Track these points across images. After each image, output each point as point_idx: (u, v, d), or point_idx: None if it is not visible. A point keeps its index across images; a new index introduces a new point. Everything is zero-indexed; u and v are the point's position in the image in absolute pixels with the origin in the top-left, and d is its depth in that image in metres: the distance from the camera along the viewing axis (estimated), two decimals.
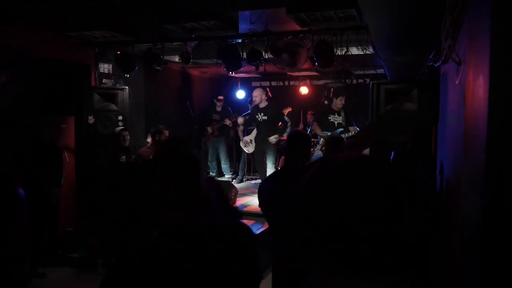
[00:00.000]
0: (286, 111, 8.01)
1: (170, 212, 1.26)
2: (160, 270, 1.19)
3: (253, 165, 7.84)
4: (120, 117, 5.81)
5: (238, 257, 1.26)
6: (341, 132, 6.71)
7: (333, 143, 3.98)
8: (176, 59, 6.60)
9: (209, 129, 7.96)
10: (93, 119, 5.80)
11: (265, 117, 6.69)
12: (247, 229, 1.34)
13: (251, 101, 7.02)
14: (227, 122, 7.83)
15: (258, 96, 6.73)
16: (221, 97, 8.08)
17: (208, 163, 8.13)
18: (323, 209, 0.64)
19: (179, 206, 1.27)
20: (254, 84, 9.82)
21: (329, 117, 6.84)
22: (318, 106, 7.92)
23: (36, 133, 4.83)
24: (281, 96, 9.25)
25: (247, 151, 7.71)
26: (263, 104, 6.71)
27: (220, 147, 8.03)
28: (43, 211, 4.58)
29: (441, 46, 2.58)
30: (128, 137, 5.30)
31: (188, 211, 1.27)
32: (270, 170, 6.47)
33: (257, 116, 6.71)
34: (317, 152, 6.94)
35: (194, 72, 8.69)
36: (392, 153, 3.58)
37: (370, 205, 0.61)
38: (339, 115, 6.84)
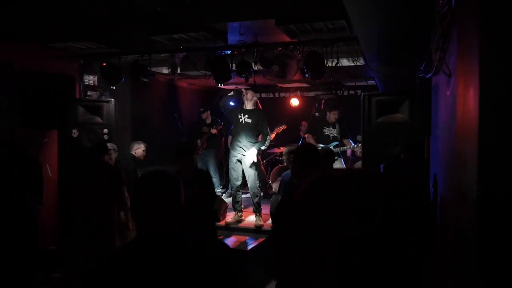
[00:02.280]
0: (281, 128, 7.99)
1: (152, 221, 1.44)
2: (134, 278, 1.31)
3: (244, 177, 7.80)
4: (105, 130, 5.77)
5: (215, 270, 1.36)
6: (336, 146, 6.73)
7: (323, 158, 4.00)
8: (164, 70, 6.61)
9: (199, 142, 7.97)
10: (77, 133, 5.76)
11: (249, 120, 6.04)
12: (225, 245, 1.49)
13: (236, 97, 6.57)
14: (213, 131, 7.85)
15: (250, 96, 6.13)
16: (201, 109, 8.11)
17: None
18: (315, 226, 0.63)
19: (161, 218, 1.45)
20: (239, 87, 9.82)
21: (324, 130, 6.87)
22: (309, 119, 7.95)
23: (17, 147, 4.77)
24: (271, 108, 9.27)
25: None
26: (249, 106, 6.12)
27: (209, 160, 8.02)
28: (23, 229, 4.48)
29: (432, 58, 2.63)
30: (115, 155, 5.17)
31: (169, 223, 1.45)
32: (252, 183, 5.93)
33: (239, 116, 6.04)
34: None
35: (182, 84, 8.70)
36: (382, 166, 3.58)
37: (366, 222, 0.60)
38: (334, 127, 6.87)
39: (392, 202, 0.62)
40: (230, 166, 6.16)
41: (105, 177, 4.53)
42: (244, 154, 5.95)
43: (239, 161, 6.03)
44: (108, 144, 5.16)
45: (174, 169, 7.84)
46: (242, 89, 6.37)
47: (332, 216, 0.61)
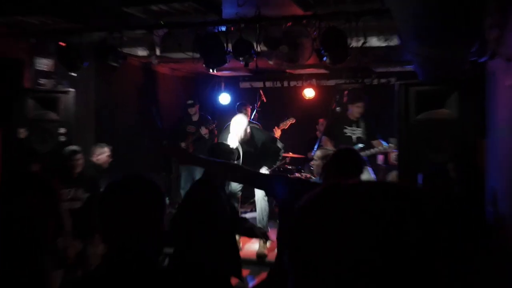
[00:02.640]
0: (288, 123, 7.99)
1: (123, 241, 1.49)
2: None
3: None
4: (62, 130, 5.79)
5: None
6: (362, 149, 6.74)
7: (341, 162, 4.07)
8: (139, 52, 6.64)
9: (183, 145, 8.00)
10: (26, 132, 5.78)
11: (251, 149, 6.31)
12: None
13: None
14: (203, 131, 7.87)
15: (241, 127, 6.13)
16: (189, 102, 8.15)
17: (181, 191, 8.13)
18: (313, 249, 0.71)
19: (136, 237, 1.50)
20: (242, 85, 9.87)
21: (345, 130, 6.88)
22: (328, 115, 7.96)
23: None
24: (278, 101, 9.28)
25: None
26: (244, 136, 6.22)
27: (196, 169, 7.99)
28: None
29: (486, 37, 2.64)
30: (81, 161, 5.22)
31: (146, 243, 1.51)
32: (262, 200, 6.17)
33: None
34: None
35: (163, 70, 8.72)
36: (419, 176, 3.59)
37: (370, 251, 0.67)
38: (358, 126, 6.88)
39: (408, 228, 0.69)
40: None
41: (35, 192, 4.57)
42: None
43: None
44: (73, 148, 5.20)
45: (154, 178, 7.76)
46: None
47: (342, 238, 0.69)
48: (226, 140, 6.18)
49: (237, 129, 6.13)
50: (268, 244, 6.03)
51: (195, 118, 8.17)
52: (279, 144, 6.70)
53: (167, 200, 7.66)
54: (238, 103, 7.96)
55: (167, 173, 8.26)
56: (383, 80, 8.70)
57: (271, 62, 5.67)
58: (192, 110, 8.13)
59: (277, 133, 7.72)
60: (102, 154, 5.73)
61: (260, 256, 5.81)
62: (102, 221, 1.54)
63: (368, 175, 6.70)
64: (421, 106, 4.76)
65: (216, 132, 8.33)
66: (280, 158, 6.67)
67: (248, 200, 8.32)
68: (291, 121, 8.08)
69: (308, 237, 0.72)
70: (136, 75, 8.05)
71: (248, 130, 6.25)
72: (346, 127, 6.87)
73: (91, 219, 5.07)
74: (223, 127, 8.01)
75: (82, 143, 5.67)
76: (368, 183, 0.77)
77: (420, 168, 4.45)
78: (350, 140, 6.84)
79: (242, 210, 8.18)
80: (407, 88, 4.79)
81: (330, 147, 6.82)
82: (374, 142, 6.83)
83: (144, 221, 1.54)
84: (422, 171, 4.26)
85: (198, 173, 7.96)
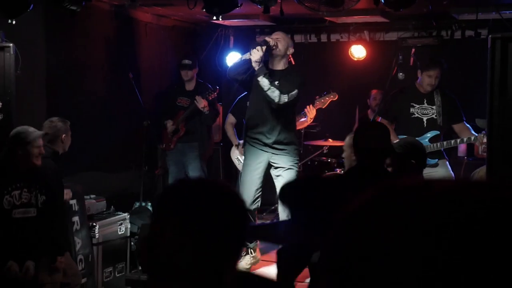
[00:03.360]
0: (328, 99, 7.98)
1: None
2: None
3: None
4: None
5: None
6: (435, 139, 6.73)
7: (406, 157, 4.02)
8: None
9: (169, 125, 8.04)
10: None
11: (276, 83, 6.62)
12: None
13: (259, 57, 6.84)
14: (201, 104, 7.86)
15: (282, 46, 6.64)
16: (186, 61, 8.19)
17: None
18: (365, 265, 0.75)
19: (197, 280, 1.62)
20: (260, 39, 9.75)
21: (412, 108, 6.89)
22: (386, 84, 7.91)
23: None
24: (312, 64, 9.22)
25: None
26: (281, 66, 6.69)
27: (190, 163, 8.13)
28: None
29: None
30: (36, 150, 5.20)
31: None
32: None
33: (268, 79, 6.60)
34: None
35: (145, 17, 8.75)
36: None
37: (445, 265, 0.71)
38: (431, 103, 6.86)
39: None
40: (245, 171, 6.66)
41: None
42: (275, 152, 6.59)
43: (262, 162, 6.61)
44: (20, 129, 5.20)
45: (131, 174, 7.82)
46: (268, 38, 6.62)
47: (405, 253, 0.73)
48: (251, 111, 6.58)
49: (282, 33, 6.74)
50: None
51: (189, 86, 8.19)
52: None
53: (149, 207, 7.74)
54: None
55: (150, 168, 8.32)
56: (469, 33, 8.60)
57: (303, 6, 5.62)
58: (187, 74, 8.13)
59: (311, 113, 7.70)
60: (57, 133, 5.71)
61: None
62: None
63: (445, 171, 6.64)
64: None
65: (219, 106, 8.29)
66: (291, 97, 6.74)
67: (269, 208, 8.33)
68: (332, 97, 8.04)
69: (359, 256, 0.76)
70: (105, 25, 8.06)
71: (291, 49, 6.81)
72: (414, 104, 6.84)
73: (47, 233, 5.16)
74: (234, 101, 8.01)
75: (27, 121, 5.68)
76: (441, 182, 0.79)
77: None
78: (420, 124, 6.81)
79: (261, 221, 8.21)
80: (505, 44, 4.74)
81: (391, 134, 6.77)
82: (457, 128, 6.77)
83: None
84: None
85: (192, 168, 8.01)
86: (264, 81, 6.39)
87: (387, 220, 0.76)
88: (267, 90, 6.38)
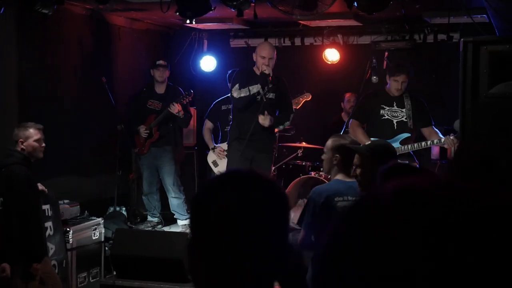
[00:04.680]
0: (301, 100, 8.03)
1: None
2: None
3: None
4: None
5: None
6: (405, 141, 6.76)
7: (376, 159, 4.03)
8: None
9: (142, 130, 7.98)
10: None
11: (272, 95, 6.93)
12: None
13: (234, 76, 7.08)
14: (174, 109, 7.85)
15: (270, 54, 6.86)
16: (161, 62, 8.15)
17: (143, 198, 8.20)
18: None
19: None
20: (234, 43, 9.86)
21: (382, 110, 6.92)
22: (360, 87, 7.93)
23: None
24: (286, 67, 9.23)
25: (219, 172, 7.69)
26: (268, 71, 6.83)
27: (163, 166, 8.11)
28: None
29: None
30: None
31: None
32: None
33: (258, 95, 6.83)
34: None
35: (118, 20, 8.72)
36: None
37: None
38: (401, 106, 6.90)
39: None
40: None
41: None
42: (261, 152, 6.89)
43: (250, 162, 6.84)
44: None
45: (105, 179, 7.77)
46: (267, 71, 6.84)
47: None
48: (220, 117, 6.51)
49: (273, 49, 6.93)
50: None
51: (160, 89, 8.17)
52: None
53: (123, 212, 7.68)
54: (230, 71, 7.92)
55: (124, 173, 8.25)
56: (441, 36, 8.67)
57: (276, 9, 5.60)
58: (162, 75, 8.06)
59: (302, 100, 7.83)
60: (30, 137, 5.64)
61: None
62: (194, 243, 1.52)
63: None
64: (497, 75, 4.71)
65: (192, 109, 8.27)
66: (287, 124, 7.27)
67: None
68: (306, 97, 8.06)
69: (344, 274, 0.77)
70: (78, 29, 8.02)
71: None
72: (384, 106, 6.88)
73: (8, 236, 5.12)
74: (208, 104, 8.02)
75: None
76: (424, 186, 0.80)
77: (493, 165, 4.42)
78: (389, 126, 6.83)
79: None
80: (476, 48, 4.75)
81: (361, 134, 6.79)
82: (426, 131, 6.83)
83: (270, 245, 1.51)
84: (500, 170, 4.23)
85: (165, 172, 7.98)
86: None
87: (371, 225, 0.77)
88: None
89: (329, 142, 4.86)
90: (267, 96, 6.79)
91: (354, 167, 4.37)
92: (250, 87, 6.67)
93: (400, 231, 0.75)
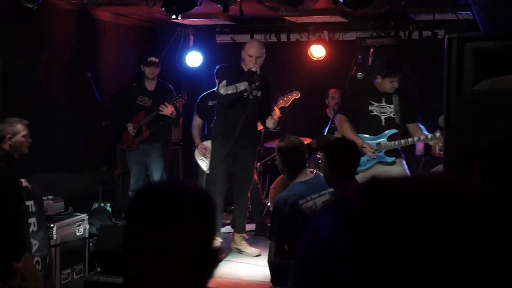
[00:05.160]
0: (290, 97, 7.99)
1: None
2: None
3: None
4: None
5: None
6: (392, 137, 6.76)
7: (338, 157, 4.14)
8: None
9: (131, 128, 7.95)
10: None
11: (257, 93, 6.99)
12: None
13: (221, 72, 7.15)
14: (167, 111, 7.82)
15: (257, 52, 6.94)
16: (153, 59, 8.11)
17: (129, 194, 8.17)
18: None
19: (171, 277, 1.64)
20: (220, 39, 9.88)
21: (371, 106, 6.91)
22: (345, 83, 7.93)
23: None
24: (272, 63, 9.22)
25: (206, 168, 7.70)
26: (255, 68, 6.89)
27: (152, 162, 8.11)
28: None
29: None
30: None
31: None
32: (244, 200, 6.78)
33: (245, 92, 6.90)
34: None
35: (104, 16, 8.70)
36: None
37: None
38: (389, 102, 6.90)
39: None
40: (212, 166, 6.95)
41: None
42: (245, 148, 7.02)
43: (233, 158, 6.98)
44: None
45: (89, 175, 7.73)
46: (254, 68, 6.88)
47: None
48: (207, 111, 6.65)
49: (262, 47, 7.01)
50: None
51: (150, 86, 8.13)
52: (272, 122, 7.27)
53: (108, 208, 7.65)
54: (218, 67, 7.91)
55: (109, 168, 8.24)
56: (426, 33, 8.72)
57: (262, 5, 5.60)
58: (153, 72, 8.03)
59: (276, 114, 7.73)
60: (17, 133, 5.62)
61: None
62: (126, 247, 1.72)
63: (401, 169, 6.68)
64: (481, 71, 4.72)
65: (180, 108, 8.26)
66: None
67: (228, 208, 8.28)
68: (295, 95, 8.04)
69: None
70: (63, 24, 7.99)
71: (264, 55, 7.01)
72: (373, 102, 6.86)
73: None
74: (197, 99, 8.02)
75: None
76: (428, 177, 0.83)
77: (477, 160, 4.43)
78: (377, 122, 6.85)
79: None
80: (461, 44, 4.77)
81: (348, 130, 6.79)
82: (412, 127, 6.86)
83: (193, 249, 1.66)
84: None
85: (154, 169, 7.96)
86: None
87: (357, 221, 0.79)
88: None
89: (277, 145, 5.01)
90: (254, 94, 6.79)
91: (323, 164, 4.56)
92: (237, 84, 6.70)
93: (397, 231, 0.75)
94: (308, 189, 4.63)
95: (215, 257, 1.73)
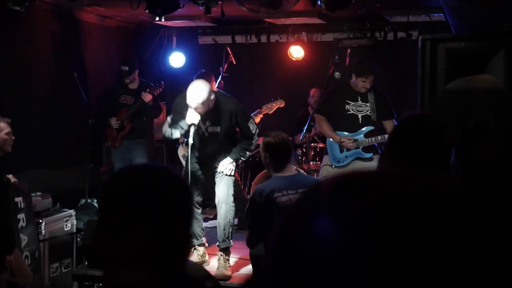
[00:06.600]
0: (274, 106, 7.96)
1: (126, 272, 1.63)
2: None
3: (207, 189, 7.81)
4: None
5: None
6: (369, 133, 6.84)
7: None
8: None
9: (113, 122, 7.96)
10: None
11: (215, 128, 6.17)
12: None
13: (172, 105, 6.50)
14: (146, 98, 7.86)
15: (202, 95, 5.81)
16: (124, 68, 8.10)
17: None
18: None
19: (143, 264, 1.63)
20: (202, 40, 9.86)
21: (347, 105, 6.94)
22: (323, 83, 7.98)
23: None
24: (254, 63, 9.26)
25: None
26: (208, 107, 5.95)
27: (136, 158, 8.06)
28: None
29: None
30: None
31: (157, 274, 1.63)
32: (222, 206, 6.19)
33: (199, 130, 6.16)
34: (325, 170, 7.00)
35: (89, 18, 8.67)
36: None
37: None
38: (365, 100, 6.94)
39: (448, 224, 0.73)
40: (186, 170, 6.32)
41: None
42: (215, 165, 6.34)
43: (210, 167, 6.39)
44: None
45: (76, 172, 7.70)
46: (192, 120, 5.98)
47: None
48: (179, 117, 6.07)
49: (197, 98, 5.74)
50: (230, 262, 6.23)
51: (132, 86, 8.16)
52: (252, 126, 6.30)
53: (95, 204, 7.65)
54: (199, 72, 7.88)
55: (95, 165, 8.23)
56: (401, 34, 8.78)
57: (243, 7, 5.62)
58: (129, 79, 8.06)
59: (256, 119, 7.69)
60: (0, 132, 5.56)
61: (220, 279, 5.87)
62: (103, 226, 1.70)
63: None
64: (453, 71, 4.77)
65: (162, 104, 8.27)
66: (252, 147, 6.38)
67: (211, 204, 8.31)
68: (279, 104, 8.06)
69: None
70: (49, 25, 7.96)
71: (212, 98, 5.92)
72: (349, 101, 6.89)
73: None
74: (175, 98, 7.98)
75: None
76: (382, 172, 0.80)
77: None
78: (354, 120, 6.90)
79: (204, 216, 8.19)
80: (434, 45, 4.81)
81: (326, 128, 6.85)
82: (387, 124, 6.89)
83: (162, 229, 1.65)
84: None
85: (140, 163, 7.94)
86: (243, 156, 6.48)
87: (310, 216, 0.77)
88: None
89: (262, 141, 4.98)
90: (210, 130, 6.14)
91: None
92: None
93: (369, 225, 0.73)
94: (287, 184, 4.61)
95: (189, 243, 1.74)
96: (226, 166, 6.21)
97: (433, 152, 2.58)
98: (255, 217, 4.63)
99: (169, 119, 6.34)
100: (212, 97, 5.91)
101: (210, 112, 5.98)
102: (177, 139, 6.48)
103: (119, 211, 1.66)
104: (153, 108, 8.05)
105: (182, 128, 6.04)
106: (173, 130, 6.13)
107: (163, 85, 8.06)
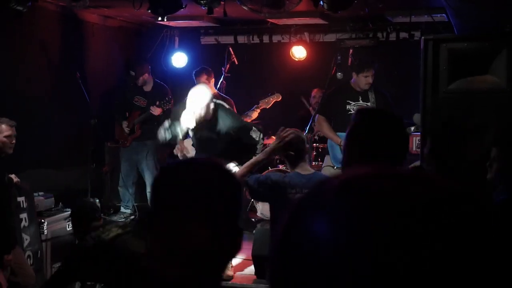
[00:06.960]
0: (271, 100, 7.96)
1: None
2: None
3: None
4: None
5: None
6: None
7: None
8: None
9: (125, 126, 8.01)
10: None
11: (213, 135, 6.14)
12: None
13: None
14: (155, 111, 7.89)
15: (201, 102, 5.84)
16: (131, 73, 8.25)
17: (119, 189, 8.10)
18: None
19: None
20: (204, 40, 9.85)
21: (348, 106, 6.95)
22: (326, 83, 7.97)
23: None
24: (255, 64, 9.25)
25: None
26: (205, 115, 5.94)
27: (143, 160, 8.07)
28: None
29: None
30: None
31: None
32: None
33: (192, 134, 6.24)
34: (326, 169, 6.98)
35: (92, 18, 8.67)
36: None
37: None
38: (366, 100, 6.95)
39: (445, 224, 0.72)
40: None
41: None
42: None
43: None
44: None
45: (78, 172, 7.70)
46: (180, 153, 6.25)
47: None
48: (178, 120, 6.05)
49: (196, 105, 5.79)
50: (232, 262, 6.15)
51: (147, 87, 8.23)
52: (255, 134, 6.29)
53: (97, 203, 7.64)
54: (196, 69, 7.88)
55: (98, 165, 8.22)
56: (403, 34, 8.75)
57: (245, 7, 5.61)
58: (140, 81, 8.10)
59: (254, 114, 7.67)
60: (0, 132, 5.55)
61: (222, 279, 5.85)
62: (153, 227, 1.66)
63: None
64: (455, 71, 4.76)
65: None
66: (258, 152, 6.20)
67: None
68: (276, 98, 8.05)
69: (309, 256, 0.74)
70: (51, 25, 7.96)
71: (212, 107, 5.93)
72: (350, 101, 6.90)
73: None
74: (178, 102, 7.97)
75: None
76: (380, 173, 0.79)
77: (452, 157, 4.47)
78: None
79: None
80: (436, 46, 4.80)
81: (326, 129, 6.83)
82: None
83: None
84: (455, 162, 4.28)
85: (145, 166, 7.95)
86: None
87: (319, 211, 0.77)
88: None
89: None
90: (205, 135, 6.14)
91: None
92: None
93: (370, 225, 0.73)
94: (304, 182, 4.53)
95: (240, 236, 1.68)
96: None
97: (388, 144, 2.59)
98: (259, 185, 4.47)
99: (166, 124, 6.32)
100: (212, 106, 5.92)
101: (208, 122, 5.99)
102: (169, 142, 6.45)
103: (171, 206, 1.63)
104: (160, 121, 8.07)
105: (180, 133, 6.10)
106: (167, 135, 6.17)
107: (171, 101, 8.03)
